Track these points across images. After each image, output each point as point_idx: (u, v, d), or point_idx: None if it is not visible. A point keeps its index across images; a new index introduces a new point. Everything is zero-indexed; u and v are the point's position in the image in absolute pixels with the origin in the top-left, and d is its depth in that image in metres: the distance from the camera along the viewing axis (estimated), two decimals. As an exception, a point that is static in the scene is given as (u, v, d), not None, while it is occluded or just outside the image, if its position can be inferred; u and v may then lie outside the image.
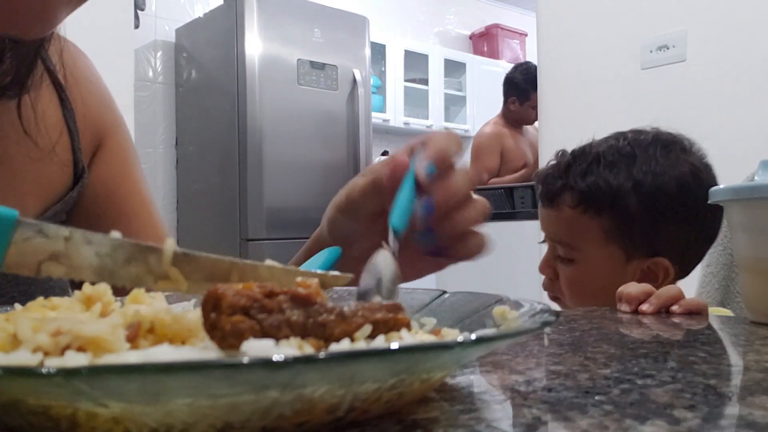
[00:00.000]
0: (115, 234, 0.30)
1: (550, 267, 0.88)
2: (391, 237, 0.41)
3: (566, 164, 0.87)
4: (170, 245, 0.30)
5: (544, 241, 0.92)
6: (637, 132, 0.88)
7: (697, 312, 0.60)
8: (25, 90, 0.55)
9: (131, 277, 0.30)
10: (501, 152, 3.37)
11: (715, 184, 0.81)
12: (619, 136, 0.88)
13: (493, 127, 3.47)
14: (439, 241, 0.47)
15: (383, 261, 0.38)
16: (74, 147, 0.61)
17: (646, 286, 0.62)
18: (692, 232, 0.79)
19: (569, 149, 0.89)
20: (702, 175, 0.84)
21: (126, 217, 0.65)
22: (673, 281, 0.84)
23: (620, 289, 0.63)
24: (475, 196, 0.48)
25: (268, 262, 0.33)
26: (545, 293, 0.91)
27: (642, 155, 0.84)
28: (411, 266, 0.49)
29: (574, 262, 0.85)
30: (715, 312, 0.73)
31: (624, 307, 0.62)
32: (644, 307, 0.60)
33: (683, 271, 0.86)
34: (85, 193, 0.62)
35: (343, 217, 0.57)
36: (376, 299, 0.35)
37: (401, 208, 0.42)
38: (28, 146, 0.57)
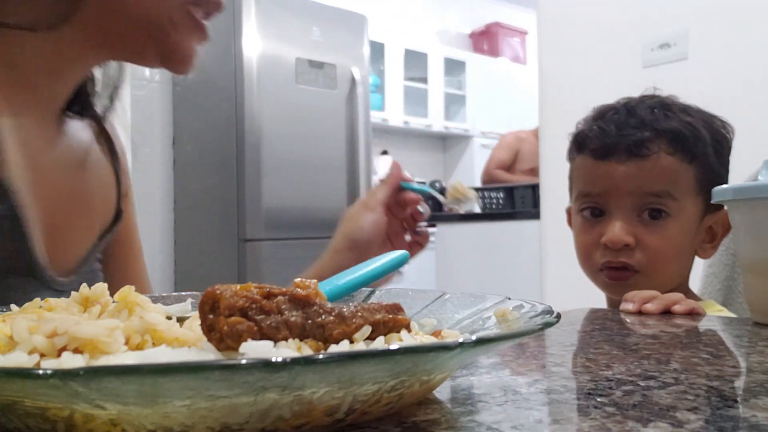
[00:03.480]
0: None
1: (630, 234, 0.77)
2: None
3: (637, 110, 0.81)
4: None
5: (586, 208, 0.82)
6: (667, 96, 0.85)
7: (697, 313, 0.60)
8: (109, 111, 0.64)
9: None
10: (517, 152, 3.67)
11: None
12: (644, 96, 0.85)
13: (517, 132, 3.81)
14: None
15: None
16: (119, 191, 0.66)
17: (651, 292, 0.63)
18: None
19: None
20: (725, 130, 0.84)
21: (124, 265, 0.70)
22: (718, 244, 0.82)
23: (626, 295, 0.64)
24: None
25: None
26: (545, 292, 0.88)
27: (692, 109, 0.82)
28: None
29: (666, 219, 0.77)
30: (711, 310, 0.73)
31: (629, 306, 0.62)
32: (649, 306, 0.61)
33: None
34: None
35: (357, 255, 0.70)
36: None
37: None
38: (100, 181, 0.63)
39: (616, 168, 0.79)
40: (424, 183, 0.76)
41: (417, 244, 0.75)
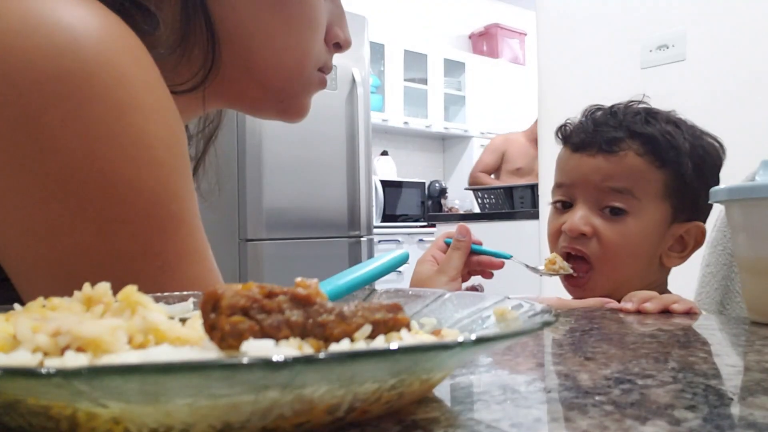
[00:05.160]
0: None
1: (589, 224, 0.80)
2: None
3: (621, 113, 0.83)
4: None
5: (558, 201, 0.85)
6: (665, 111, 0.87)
7: (695, 313, 0.61)
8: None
9: None
10: (503, 153, 3.69)
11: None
12: (633, 101, 0.87)
13: (506, 135, 3.84)
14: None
15: None
16: None
17: (650, 292, 0.64)
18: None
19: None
20: (722, 152, 0.85)
21: None
22: (688, 255, 0.84)
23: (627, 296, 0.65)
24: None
25: None
26: (544, 292, 0.89)
27: (683, 124, 0.84)
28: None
29: (625, 216, 0.79)
30: None
31: (627, 305, 0.62)
32: (647, 305, 0.61)
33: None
34: None
35: None
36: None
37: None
38: None
39: (586, 161, 0.82)
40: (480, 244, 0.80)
41: None
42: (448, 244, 0.79)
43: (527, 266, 0.83)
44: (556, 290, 0.94)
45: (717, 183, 0.83)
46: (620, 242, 0.80)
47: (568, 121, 0.88)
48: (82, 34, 0.42)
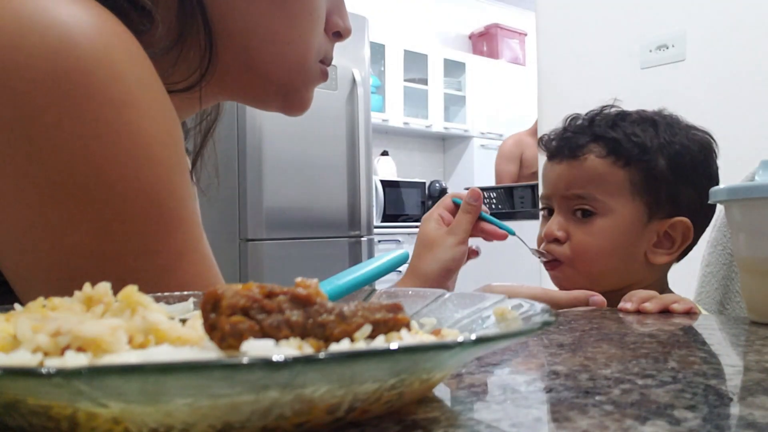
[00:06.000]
0: None
1: (563, 229, 0.84)
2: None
3: (590, 119, 0.86)
4: None
5: (544, 209, 0.89)
6: (642, 110, 0.88)
7: (695, 313, 0.61)
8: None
9: None
10: (520, 158, 3.63)
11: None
12: (606, 106, 0.89)
13: (516, 136, 3.74)
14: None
15: None
16: None
17: (649, 292, 0.64)
18: (705, 203, 0.79)
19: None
20: (715, 146, 0.86)
21: None
22: (683, 254, 0.85)
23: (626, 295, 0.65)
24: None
25: None
26: (545, 276, 0.89)
27: (662, 121, 0.85)
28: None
29: (594, 217, 0.82)
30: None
31: (627, 305, 0.62)
32: (647, 305, 0.61)
33: (689, 247, 0.86)
34: None
35: (447, 283, 0.76)
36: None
37: None
38: None
39: (555, 169, 0.86)
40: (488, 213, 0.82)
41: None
42: (455, 204, 0.80)
43: (530, 248, 0.86)
44: (555, 290, 0.95)
45: (703, 177, 0.84)
46: (588, 241, 0.82)
47: (552, 130, 0.90)
48: (76, 33, 0.41)
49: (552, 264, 0.85)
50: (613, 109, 0.88)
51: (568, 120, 0.89)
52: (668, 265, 0.86)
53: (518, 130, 3.84)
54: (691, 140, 0.84)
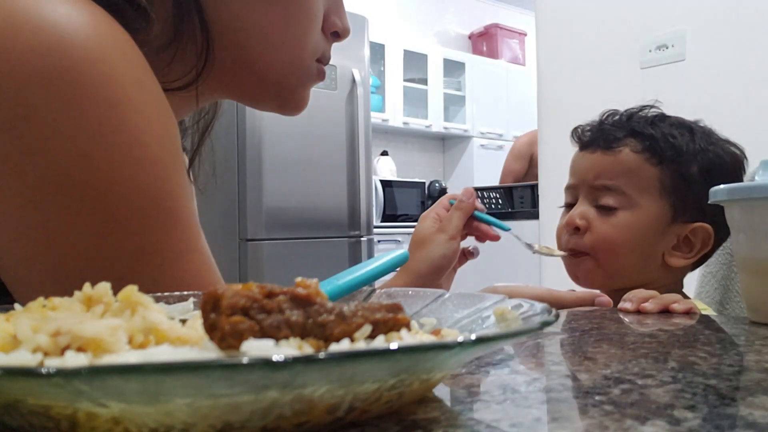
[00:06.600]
0: None
1: (584, 218, 0.83)
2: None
3: (629, 115, 0.87)
4: None
5: (568, 204, 0.88)
6: (681, 117, 0.89)
7: (695, 313, 0.61)
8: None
9: None
10: (530, 158, 3.55)
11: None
12: (646, 105, 0.90)
13: (530, 134, 3.66)
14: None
15: None
16: None
17: (649, 291, 0.64)
18: None
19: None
20: (746, 162, 0.86)
21: None
22: (701, 261, 0.85)
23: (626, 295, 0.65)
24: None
25: None
26: (545, 272, 0.89)
27: (699, 130, 0.85)
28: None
29: (619, 211, 0.82)
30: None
31: (627, 305, 0.62)
32: (647, 305, 0.61)
33: (707, 255, 0.86)
34: None
35: (438, 281, 0.76)
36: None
37: None
38: None
39: (587, 158, 0.86)
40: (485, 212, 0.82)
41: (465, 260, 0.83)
42: (452, 205, 0.81)
43: (524, 243, 0.85)
44: (556, 273, 0.95)
45: None
46: (611, 233, 0.82)
47: (587, 122, 0.91)
48: (69, 32, 0.41)
49: (571, 257, 0.85)
50: (652, 110, 0.88)
51: (606, 114, 0.89)
52: (684, 270, 0.86)
53: (518, 131, 3.83)
54: (725, 151, 0.84)
